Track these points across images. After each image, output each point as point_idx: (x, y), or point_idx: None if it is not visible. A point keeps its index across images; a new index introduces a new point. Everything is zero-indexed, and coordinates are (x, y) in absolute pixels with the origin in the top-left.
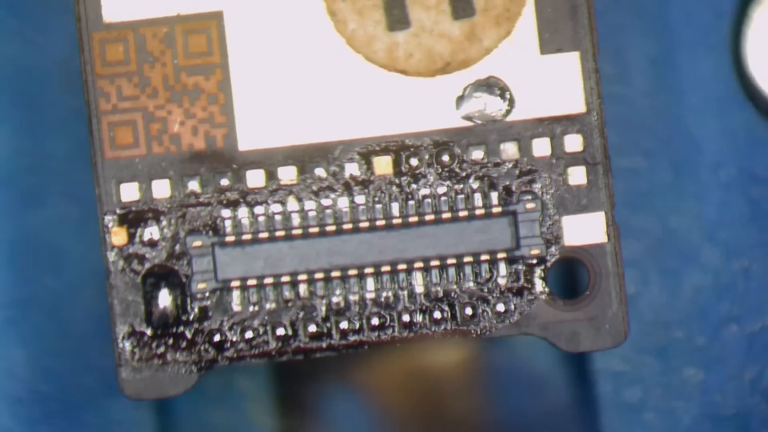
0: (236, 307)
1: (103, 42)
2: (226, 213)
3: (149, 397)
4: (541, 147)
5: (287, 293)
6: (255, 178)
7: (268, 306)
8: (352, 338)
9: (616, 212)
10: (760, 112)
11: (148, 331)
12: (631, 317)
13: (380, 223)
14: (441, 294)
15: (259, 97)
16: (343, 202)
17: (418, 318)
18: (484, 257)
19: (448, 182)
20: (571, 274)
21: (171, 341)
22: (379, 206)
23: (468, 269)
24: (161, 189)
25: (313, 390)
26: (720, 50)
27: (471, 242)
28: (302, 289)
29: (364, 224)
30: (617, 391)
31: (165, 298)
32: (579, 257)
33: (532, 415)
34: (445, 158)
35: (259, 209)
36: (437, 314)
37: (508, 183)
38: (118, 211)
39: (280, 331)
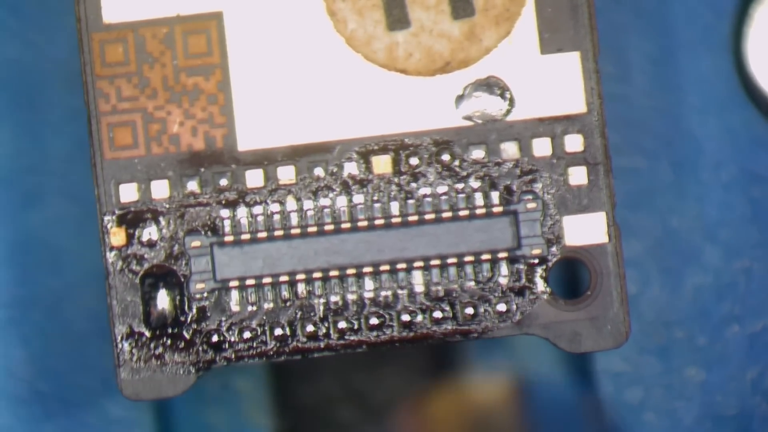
0: (234, 307)
1: (102, 43)
2: (224, 213)
3: (148, 397)
4: (542, 147)
5: (285, 293)
6: (254, 178)
7: (266, 306)
8: (351, 338)
9: (617, 212)
10: (761, 111)
11: (147, 332)
12: (632, 317)
13: (379, 222)
14: (441, 293)
15: (258, 97)
16: (342, 202)
17: (418, 318)
18: (485, 257)
19: (448, 181)
20: (573, 274)
21: (169, 342)
22: (377, 205)
23: (469, 268)
24: (160, 189)
25: (311, 390)
26: (721, 50)
27: (472, 242)
28: (300, 288)
29: (363, 223)
30: (618, 392)
31: (163, 299)
32: (580, 257)
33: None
34: (446, 157)
35: (257, 209)
36: (437, 314)
37: (508, 182)
38: (117, 212)
39: (278, 332)
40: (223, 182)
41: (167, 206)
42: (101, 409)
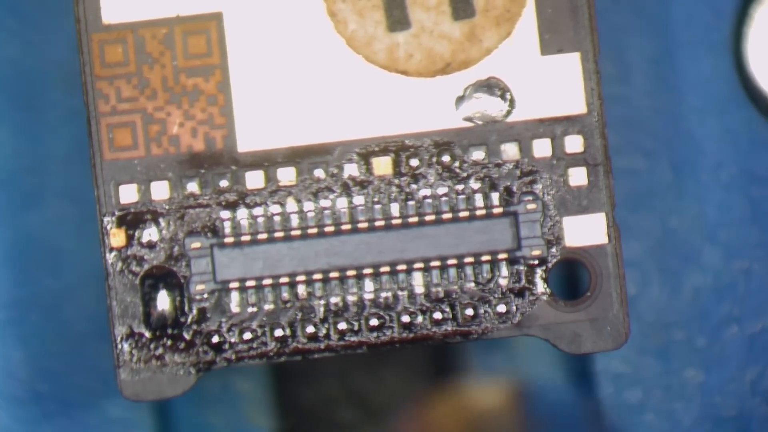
0: (235, 308)
1: (102, 43)
2: (225, 214)
3: (148, 398)
4: (542, 148)
5: (286, 294)
6: (254, 180)
7: (266, 307)
8: (351, 339)
9: (617, 213)
10: (761, 112)
11: (147, 333)
12: (632, 318)
13: (379, 223)
14: (441, 294)
15: (258, 98)
16: (342, 203)
17: (418, 319)
18: (485, 258)
19: (448, 183)
20: (573, 275)
21: (169, 342)
22: (378, 207)
23: (469, 270)
24: (160, 190)
25: (311, 391)
26: (720, 50)
27: (472, 243)
28: (301, 290)
29: (363, 225)
30: (618, 392)
31: (163, 300)
32: (580, 258)
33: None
34: (446, 159)
35: (258, 210)
36: (437, 315)
37: (508, 184)
38: (116, 213)
39: (279, 333)
40: (223, 183)
41: (167, 207)
42: (101, 410)
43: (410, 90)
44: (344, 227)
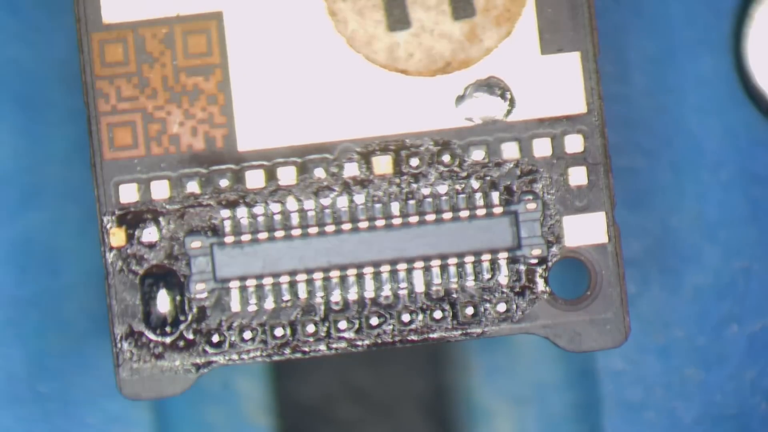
0: (235, 307)
1: (102, 43)
2: (225, 213)
3: (148, 396)
4: (542, 147)
5: (286, 293)
6: (254, 179)
7: (266, 306)
8: (351, 338)
9: (617, 212)
10: (761, 111)
11: (147, 332)
12: (632, 317)
13: (380, 222)
14: (442, 293)
15: (258, 98)
16: (343, 202)
17: (419, 317)
18: (485, 257)
19: (448, 182)
20: (573, 274)
21: (169, 341)
22: (378, 206)
23: (469, 268)
24: (160, 190)
25: (311, 389)
26: (720, 50)
27: (472, 242)
28: (301, 288)
29: (363, 224)
30: (618, 391)
31: (163, 299)
32: (580, 257)
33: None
34: (446, 158)
35: (258, 209)
36: (438, 314)
37: (509, 183)
38: (116, 212)
39: (279, 331)
40: (224, 183)
41: (167, 207)
42: (101, 409)
43: (410, 89)
44: (344, 226)
